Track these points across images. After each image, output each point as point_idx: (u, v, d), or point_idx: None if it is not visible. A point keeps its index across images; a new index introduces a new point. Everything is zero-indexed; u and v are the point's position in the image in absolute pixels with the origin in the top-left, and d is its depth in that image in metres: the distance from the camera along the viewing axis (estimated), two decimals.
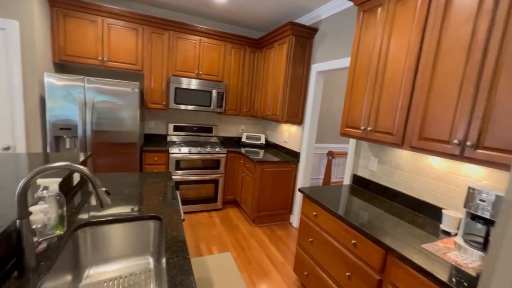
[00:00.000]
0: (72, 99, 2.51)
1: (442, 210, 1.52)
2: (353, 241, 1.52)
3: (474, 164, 1.25)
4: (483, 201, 1.19)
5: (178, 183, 3.22)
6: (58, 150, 2.58)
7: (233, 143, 4.09)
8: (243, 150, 3.58)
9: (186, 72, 3.34)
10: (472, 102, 1.20)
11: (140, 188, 1.68)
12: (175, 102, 3.25)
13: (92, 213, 1.27)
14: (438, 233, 1.46)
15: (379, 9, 1.73)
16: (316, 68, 2.94)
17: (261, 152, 3.59)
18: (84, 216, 1.24)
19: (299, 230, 2.12)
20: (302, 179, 3.19)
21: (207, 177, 3.37)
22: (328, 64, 2.73)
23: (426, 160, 1.72)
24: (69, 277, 1.09)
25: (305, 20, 3.12)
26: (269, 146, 4.01)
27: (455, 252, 1.25)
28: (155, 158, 3.09)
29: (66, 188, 1.42)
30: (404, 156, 1.89)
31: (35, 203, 0.97)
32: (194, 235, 2.83)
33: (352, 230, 1.54)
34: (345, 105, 2.03)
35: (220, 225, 3.12)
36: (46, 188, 1.04)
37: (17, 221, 0.80)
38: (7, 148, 2.42)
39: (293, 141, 3.39)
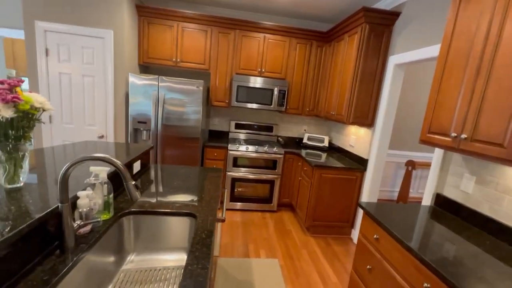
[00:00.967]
0: (148, 96, 2.84)
1: None
2: (426, 285, 1.15)
3: None
4: None
5: (234, 180, 3.27)
6: (136, 141, 2.96)
7: (294, 143, 3.90)
8: (303, 152, 3.35)
9: (249, 70, 3.34)
10: None
11: (188, 182, 1.72)
12: (237, 100, 3.30)
13: (141, 201, 1.35)
14: None
15: None
16: (394, 60, 2.46)
17: (323, 155, 3.29)
18: (134, 204, 1.32)
19: (356, 252, 1.79)
20: (369, 191, 2.74)
21: (263, 177, 3.30)
22: (412, 54, 2.22)
23: None
24: (112, 259, 1.17)
25: (386, 4, 2.64)
26: (333, 150, 3.64)
27: None
28: (215, 154, 3.21)
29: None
30: None
31: (84, 189, 1.07)
32: (245, 234, 2.81)
33: (425, 269, 1.17)
34: (429, 104, 1.59)
35: (272, 228, 3.01)
36: (96, 175, 1.14)
37: (59, 205, 0.88)
38: (101, 137, 2.93)
39: (361, 146, 2.96)
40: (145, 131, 2.94)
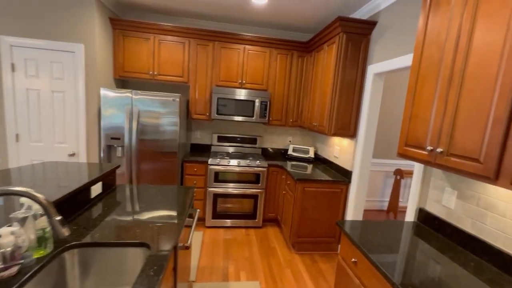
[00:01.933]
0: (121, 111, 2.72)
1: None
2: None
3: None
4: None
5: (216, 196, 3.13)
6: (110, 158, 2.82)
7: (279, 155, 3.80)
8: (288, 164, 3.25)
9: (229, 81, 3.26)
10: None
11: (153, 205, 1.58)
12: (218, 113, 3.20)
13: (92, 231, 1.21)
14: None
15: None
16: (373, 69, 2.41)
17: (309, 167, 3.19)
18: (83, 235, 1.18)
19: (336, 274, 1.66)
20: (354, 204, 2.63)
21: (247, 192, 3.17)
22: (389, 63, 2.17)
23: None
24: None
25: (362, 13, 2.62)
26: (319, 161, 3.55)
27: None
28: (195, 169, 3.08)
29: (77, 202, 1.42)
30: (502, 193, 1.24)
31: (11, 225, 0.93)
32: (226, 254, 2.64)
33: None
34: (404, 116, 1.51)
35: (256, 246, 2.85)
36: (29, 207, 1.00)
37: None
38: (72, 155, 2.78)
39: (345, 157, 2.87)
40: (119, 148, 2.80)
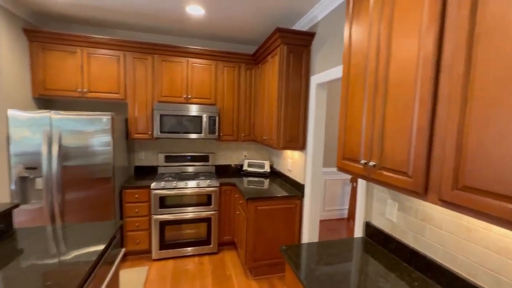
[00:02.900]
0: (38, 134, 2.31)
1: None
2: None
3: None
4: None
5: (163, 224, 2.79)
6: (25, 192, 2.35)
7: (235, 171, 3.60)
8: (245, 179, 3.07)
9: (173, 97, 3.02)
10: None
11: (59, 252, 1.26)
12: (161, 131, 2.92)
13: None
14: None
15: None
16: (315, 80, 2.38)
17: (266, 182, 3.04)
18: None
19: None
20: (309, 218, 2.52)
21: (198, 215, 2.89)
22: (329, 73, 2.15)
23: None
24: None
25: (302, 25, 2.62)
26: (275, 175, 3.42)
27: None
28: (136, 196, 2.73)
29: None
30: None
31: None
32: None
33: None
34: (340, 127, 1.43)
35: (209, 277, 2.56)
36: None
37: None
38: None
39: (297, 170, 2.77)
40: (37, 179, 2.36)
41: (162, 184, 2.78)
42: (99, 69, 2.77)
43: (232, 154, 3.64)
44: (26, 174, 2.32)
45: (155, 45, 2.87)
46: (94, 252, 1.29)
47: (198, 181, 2.90)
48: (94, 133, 2.43)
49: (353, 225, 3.98)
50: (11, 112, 2.24)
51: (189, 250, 2.90)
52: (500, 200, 0.68)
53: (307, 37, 2.41)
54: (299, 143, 2.56)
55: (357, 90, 1.28)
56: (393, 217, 1.43)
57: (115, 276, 1.56)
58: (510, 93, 0.65)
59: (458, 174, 0.78)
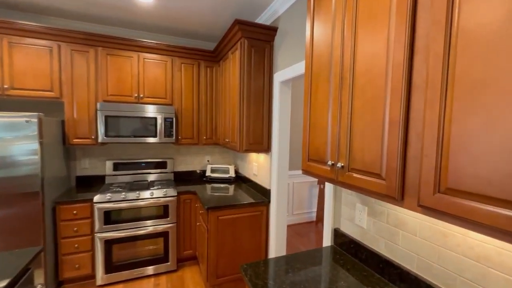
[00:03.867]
0: None
1: None
2: None
3: None
4: None
5: (109, 242, 2.39)
6: None
7: (197, 178, 3.31)
8: (208, 186, 2.81)
9: (122, 96, 2.66)
10: None
11: None
12: (107, 135, 2.53)
13: None
14: None
15: None
16: (279, 77, 2.23)
17: (231, 188, 2.80)
18: None
19: None
20: (276, 225, 2.34)
21: (153, 230, 2.54)
22: (292, 69, 2.01)
23: None
24: None
25: (263, 20, 2.47)
26: (240, 180, 3.21)
27: None
28: (75, 212, 2.30)
29: None
30: None
31: None
32: None
33: None
34: (304, 125, 1.27)
35: None
36: None
37: None
38: None
39: (263, 174, 2.60)
40: None
41: (108, 196, 2.38)
42: (25, 62, 2.31)
43: (193, 159, 3.34)
44: None
45: (98, 36, 2.49)
46: None
47: (152, 191, 2.56)
48: (13, 139, 1.98)
49: (322, 228, 3.92)
50: None
51: (143, 270, 2.53)
52: (492, 205, 0.55)
53: (269, 31, 2.26)
54: (263, 145, 2.39)
55: (321, 83, 1.13)
56: (363, 223, 1.31)
57: None
58: (500, 68, 0.53)
59: (440, 174, 0.65)
